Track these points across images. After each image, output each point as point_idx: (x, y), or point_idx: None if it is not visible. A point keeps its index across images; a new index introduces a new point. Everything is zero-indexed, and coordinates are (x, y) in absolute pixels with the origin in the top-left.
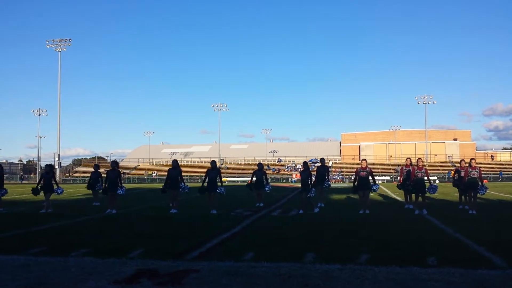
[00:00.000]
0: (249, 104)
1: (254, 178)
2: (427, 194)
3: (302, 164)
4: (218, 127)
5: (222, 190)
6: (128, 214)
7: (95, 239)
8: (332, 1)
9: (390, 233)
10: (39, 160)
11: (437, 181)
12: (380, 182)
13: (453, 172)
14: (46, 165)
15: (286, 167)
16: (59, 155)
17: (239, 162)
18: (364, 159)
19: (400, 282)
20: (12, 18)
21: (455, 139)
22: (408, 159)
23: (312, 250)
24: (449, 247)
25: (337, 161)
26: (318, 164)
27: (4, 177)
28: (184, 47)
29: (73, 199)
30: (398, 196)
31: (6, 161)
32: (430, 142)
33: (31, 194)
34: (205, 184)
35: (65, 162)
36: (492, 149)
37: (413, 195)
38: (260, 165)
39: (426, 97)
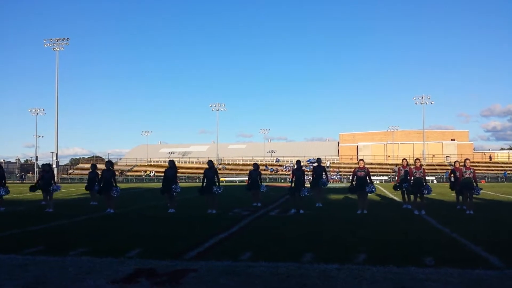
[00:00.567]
0: (248, 104)
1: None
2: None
3: (295, 162)
4: (216, 127)
5: (218, 189)
6: (126, 213)
7: (93, 239)
8: (331, 1)
9: (388, 233)
10: (36, 160)
11: (435, 181)
12: (378, 182)
13: (450, 173)
14: (45, 164)
15: (284, 167)
16: (56, 154)
17: (237, 162)
18: (362, 159)
19: (397, 282)
20: (10, 17)
21: (453, 140)
22: (405, 160)
23: (310, 250)
24: (447, 247)
25: (335, 161)
26: (315, 165)
27: (6, 177)
28: (182, 46)
29: (71, 198)
30: (396, 196)
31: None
32: (428, 142)
33: (29, 193)
34: (204, 185)
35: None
36: (489, 150)
37: (412, 195)
38: (255, 165)
39: (424, 98)
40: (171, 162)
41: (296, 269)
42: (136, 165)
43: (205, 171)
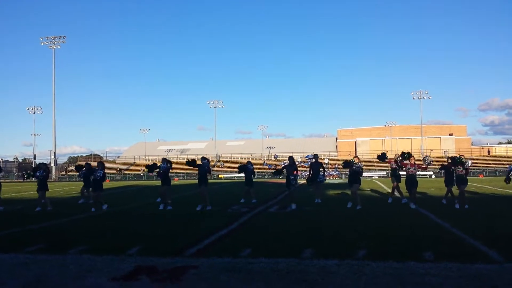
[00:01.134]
0: (246, 101)
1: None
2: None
3: (288, 158)
4: (214, 124)
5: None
6: (125, 211)
7: (93, 237)
8: None
9: (387, 228)
10: (34, 158)
11: (433, 176)
12: (376, 177)
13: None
14: (42, 164)
15: (283, 163)
16: (54, 153)
17: (236, 159)
18: (356, 156)
19: (397, 277)
20: (6, 15)
21: (450, 134)
22: (397, 154)
23: (310, 246)
24: (446, 242)
25: (334, 157)
26: (313, 161)
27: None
28: (180, 44)
29: (69, 196)
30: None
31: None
32: (426, 137)
33: (28, 192)
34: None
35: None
36: (488, 144)
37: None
38: (248, 162)
39: (421, 93)
40: (163, 160)
41: (296, 265)
42: (134, 162)
43: (198, 167)
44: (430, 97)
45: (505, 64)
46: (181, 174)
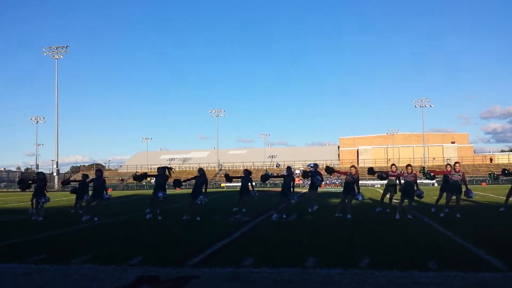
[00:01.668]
0: (248, 109)
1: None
2: (416, 198)
3: (286, 168)
4: (216, 133)
5: (203, 198)
6: (127, 220)
7: (95, 246)
8: (330, 4)
9: (390, 237)
10: (37, 168)
11: (436, 184)
12: (379, 186)
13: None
14: (39, 173)
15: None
16: (57, 162)
17: (238, 168)
18: (354, 166)
19: (401, 286)
20: (9, 26)
21: (453, 142)
22: (393, 166)
23: (313, 254)
24: (449, 250)
25: (336, 166)
26: (313, 170)
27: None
28: (182, 52)
29: (71, 206)
30: (396, 200)
31: (4, 168)
32: (428, 145)
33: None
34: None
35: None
36: (490, 152)
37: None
38: (245, 171)
39: (423, 101)
40: (159, 170)
41: (299, 274)
42: (136, 172)
43: (196, 177)
44: (432, 105)
45: (507, 71)
46: (183, 184)
